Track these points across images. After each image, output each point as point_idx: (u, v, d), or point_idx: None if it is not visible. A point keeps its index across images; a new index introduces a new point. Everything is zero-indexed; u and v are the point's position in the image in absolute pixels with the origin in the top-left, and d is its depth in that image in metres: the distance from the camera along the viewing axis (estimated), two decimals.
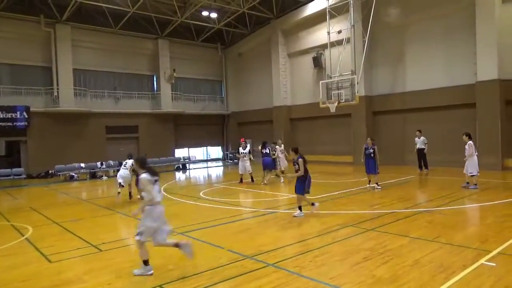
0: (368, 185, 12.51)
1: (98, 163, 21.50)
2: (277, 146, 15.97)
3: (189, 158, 27.94)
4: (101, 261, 6.16)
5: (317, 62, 23.52)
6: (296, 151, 8.94)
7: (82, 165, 21.11)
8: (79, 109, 23.39)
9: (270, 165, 15.11)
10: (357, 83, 18.01)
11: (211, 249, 6.52)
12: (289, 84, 26.29)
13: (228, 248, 6.47)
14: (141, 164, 5.67)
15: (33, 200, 14.09)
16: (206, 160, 31.19)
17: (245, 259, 5.84)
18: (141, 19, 25.70)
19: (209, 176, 21.46)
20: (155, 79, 27.89)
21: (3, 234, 8.34)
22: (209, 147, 32.06)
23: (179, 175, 22.02)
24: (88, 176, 20.75)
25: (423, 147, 16.75)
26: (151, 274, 5.34)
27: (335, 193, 12.03)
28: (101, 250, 6.72)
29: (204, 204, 11.15)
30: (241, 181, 15.42)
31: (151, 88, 27.83)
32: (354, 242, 6.54)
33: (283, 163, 15.90)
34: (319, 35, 22.84)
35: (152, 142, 26.51)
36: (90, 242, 7.22)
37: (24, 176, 19.85)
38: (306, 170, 8.77)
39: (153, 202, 5.41)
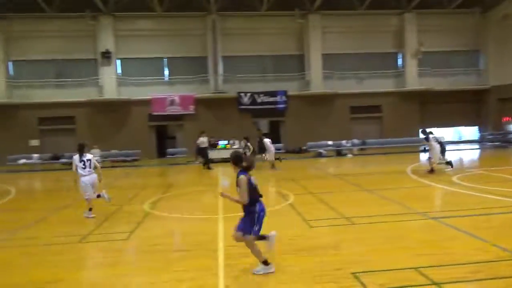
0: None
1: (344, 141, 22.79)
2: None
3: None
4: (354, 233, 6.55)
5: None
6: (236, 161, 4.86)
7: (330, 142, 22.89)
8: (326, 92, 25.27)
9: None
10: None
11: (471, 241, 5.85)
12: None
13: (493, 243, 5.64)
14: None
15: (291, 171, 16.35)
16: (458, 142, 27.82)
17: None
18: None
19: (461, 159, 19.13)
20: (399, 56, 26.82)
21: (274, 199, 10.12)
22: (461, 127, 28.49)
23: (425, 156, 20.55)
24: (334, 153, 22.33)
25: None
26: None
27: None
28: (354, 223, 7.15)
29: (457, 190, 10.07)
30: None
31: (395, 66, 26.95)
32: None
33: None
34: None
35: (395, 121, 25.88)
36: (343, 214, 7.79)
37: (283, 150, 23.30)
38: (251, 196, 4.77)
39: None
